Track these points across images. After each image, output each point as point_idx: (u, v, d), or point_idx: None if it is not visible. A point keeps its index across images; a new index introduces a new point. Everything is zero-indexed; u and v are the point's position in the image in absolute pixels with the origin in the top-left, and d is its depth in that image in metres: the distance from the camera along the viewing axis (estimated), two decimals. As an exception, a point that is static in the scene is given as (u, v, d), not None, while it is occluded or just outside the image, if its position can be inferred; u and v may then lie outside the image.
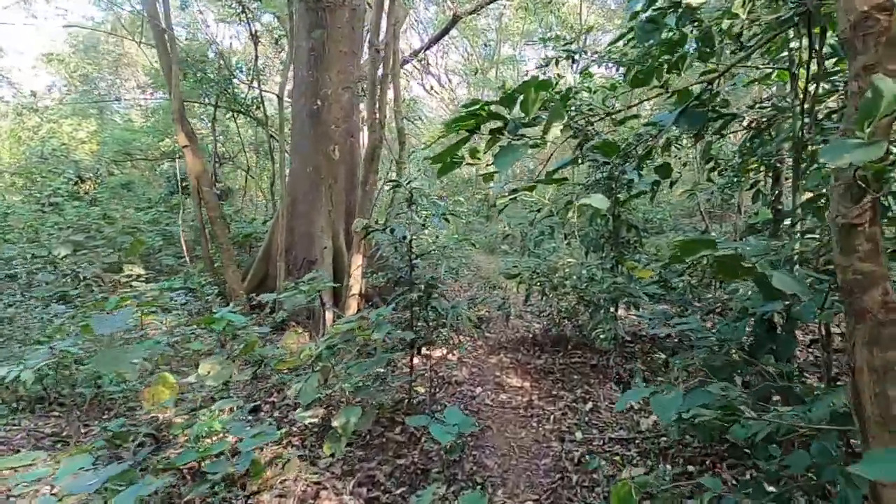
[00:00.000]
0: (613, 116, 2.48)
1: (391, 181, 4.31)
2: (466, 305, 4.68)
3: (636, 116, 3.20)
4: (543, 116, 1.77)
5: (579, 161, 6.28)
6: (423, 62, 12.98)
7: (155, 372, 3.92)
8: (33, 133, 20.13)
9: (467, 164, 2.00)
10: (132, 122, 18.56)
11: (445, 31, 13.31)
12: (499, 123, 1.77)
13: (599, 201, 1.83)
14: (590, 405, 5.00)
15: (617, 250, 5.50)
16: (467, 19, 21.19)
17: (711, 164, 6.44)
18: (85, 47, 23.29)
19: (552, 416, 4.75)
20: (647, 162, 5.87)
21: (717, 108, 2.61)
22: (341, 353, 4.09)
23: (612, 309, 5.07)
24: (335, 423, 3.07)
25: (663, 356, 5.40)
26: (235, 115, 9.39)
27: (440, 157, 1.82)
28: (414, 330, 4.20)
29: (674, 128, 2.85)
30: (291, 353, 3.54)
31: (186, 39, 11.45)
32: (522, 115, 1.71)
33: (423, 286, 4.16)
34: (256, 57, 8.13)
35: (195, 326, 4.44)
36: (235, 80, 8.66)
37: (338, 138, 7.53)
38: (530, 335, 6.95)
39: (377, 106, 6.05)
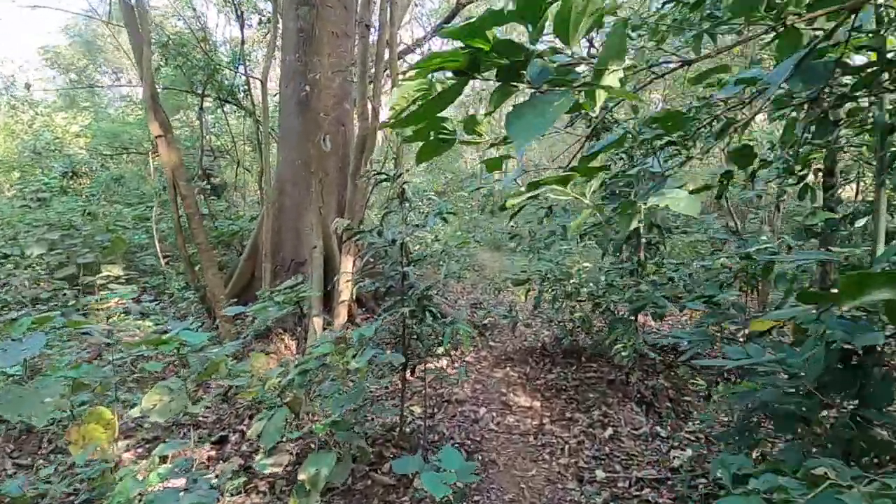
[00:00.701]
0: (686, 67, 1.73)
1: (378, 174, 3.67)
2: (466, 317, 4.04)
3: (724, 69, 2.46)
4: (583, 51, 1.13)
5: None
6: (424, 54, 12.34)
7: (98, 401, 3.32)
8: (28, 127, 19.64)
9: (463, 142, 1.36)
10: (127, 115, 17.99)
11: (449, 19, 12.63)
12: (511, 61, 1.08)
13: (685, 203, 1.20)
14: (609, 431, 4.37)
15: (638, 253, 4.85)
16: (471, 7, 20.46)
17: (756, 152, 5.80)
18: (83, 41, 22.73)
19: (567, 447, 4.12)
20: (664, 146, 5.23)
21: (845, 60, 1.74)
22: (321, 375, 3.47)
23: (633, 320, 4.42)
24: (301, 476, 2.46)
25: (697, 379, 4.76)
26: (223, 105, 8.77)
27: (410, 120, 1.15)
28: (406, 351, 3.58)
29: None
30: (258, 378, 2.93)
31: (174, 28, 10.82)
32: (555, 46, 1.09)
33: (416, 298, 3.54)
34: (243, 41, 7.50)
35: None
36: (223, 67, 8.03)
37: (329, 128, 6.89)
38: (539, 344, 6.32)
39: (370, 91, 5.42)
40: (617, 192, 5.06)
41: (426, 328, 3.77)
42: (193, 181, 11.71)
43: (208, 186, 13.14)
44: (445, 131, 1.24)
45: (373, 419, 3.60)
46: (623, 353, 4.18)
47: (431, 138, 1.25)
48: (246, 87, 8.10)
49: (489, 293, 9.30)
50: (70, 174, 15.19)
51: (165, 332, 7.43)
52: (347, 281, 5.40)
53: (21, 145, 17.33)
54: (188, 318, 7.53)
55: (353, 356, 2.85)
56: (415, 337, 3.67)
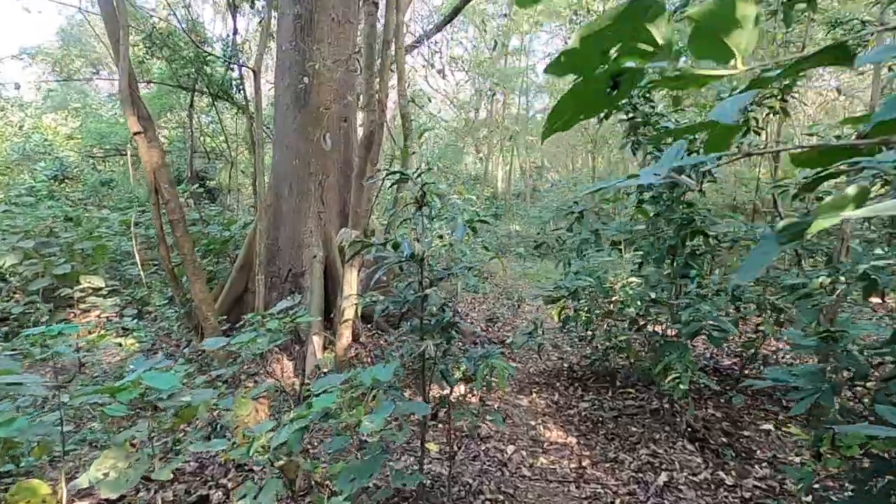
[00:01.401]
0: None
1: (393, 173, 3.02)
2: (480, 329, 3.37)
3: None
4: None
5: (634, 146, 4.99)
6: (429, 56, 11.66)
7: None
8: (18, 129, 18.99)
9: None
10: (119, 116, 17.31)
11: (455, 13, 11.99)
12: None
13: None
14: (664, 477, 3.70)
15: (685, 263, 4.19)
16: (475, 4, 19.86)
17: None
18: (73, 39, 22.08)
19: (617, 499, 3.45)
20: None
21: None
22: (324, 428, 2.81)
23: (688, 345, 3.76)
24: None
25: (790, 427, 4.10)
26: (215, 101, 8.12)
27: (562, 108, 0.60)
28: (427, 393, 2.92)
29: None
30: (244, 433, 2.28)
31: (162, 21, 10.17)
32: None
33: (440, 328, 2.88)
34: (235, 30, 6.85)
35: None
36: (214, 59, 7.36)
37: (330, 124, 6.23)
38: (566, 365, 5.65)
39: (376, 80, 4.76)
40: (662, 194, 4.41)
41: (450, 359, 3.10)
42: (185, 184, 11.07)
43: (201, 190, 12.48)
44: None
45: (387, 484, 2.93)
46: (681, 387, 3.52)
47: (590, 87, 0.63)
48: (239, 81, 7.45)
49: (502, 303, 8.64)
50: (61, 177, 14.55)
51: (149, 350, 6.79)
52: (351, 296, 4.73)
53: (10, 147, 16.68)
54: (172, 335, 6.87)
55: (365, 413, 2.18)
56: (438, 374, 3.00)
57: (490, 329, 6.81)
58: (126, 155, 11.90)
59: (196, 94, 8.49)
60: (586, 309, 4.14)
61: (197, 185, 10.43)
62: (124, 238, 9.17)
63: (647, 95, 4.48)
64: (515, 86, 19.44)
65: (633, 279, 3.81)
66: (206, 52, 6.76)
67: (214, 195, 14.07)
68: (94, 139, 12.18)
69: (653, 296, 3.81)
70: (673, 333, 4.19)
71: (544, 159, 26.75)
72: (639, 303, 3.80)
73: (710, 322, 3.70)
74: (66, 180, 14.64)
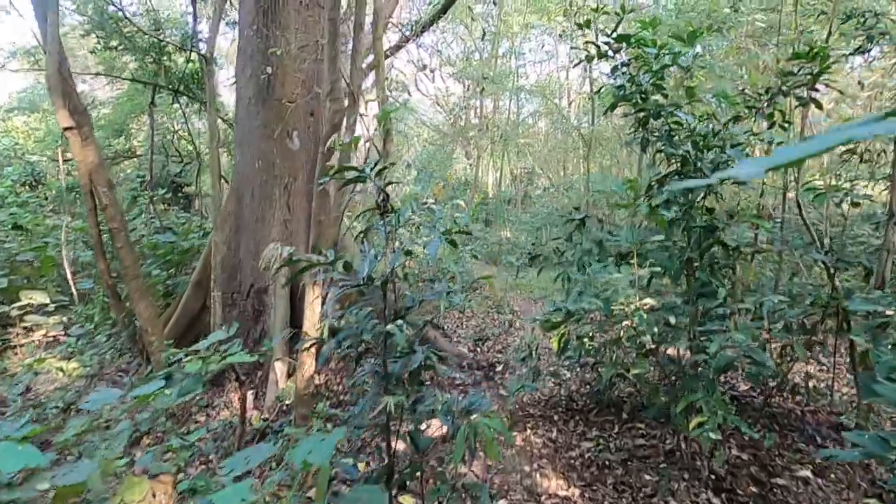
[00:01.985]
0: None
1: (343, 170, 2.35)
2: (466, 350, 2.70)
3: None
4: None
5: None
6: (419, 58, 11.00)
7: None
8: (-8, 132, 18.09)
9: None
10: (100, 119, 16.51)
11: (443, 10, 11.36)
12: None
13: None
14: (688, 544, 3.03)
15: (706, 280, 3.54)
16: (464, 3, 19.27)
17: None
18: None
19: (635, 579, 2.76)
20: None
21: None
22: None
23: (717, 381, 3.10)
24: None
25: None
26: (176, 96, 7.39)
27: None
28: (392, 464, 2.23)
29: None
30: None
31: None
32: None
33: (410, 373, 2.20)
34: (195, 16, 6.14)
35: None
36: (171, 48, 6.62)
37: (297, 120, 5.54)
38: (564, 392, 4.97)
39: (345, 64, 4.10)
40: (677, 198, 3.75)
41: (422, 411, 2.40)
42: (163, 191, 10.31)
43: (170, 195, 11.71)
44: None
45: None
46: (710, 436, 2.85)
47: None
48: (201, 74, 6.73)
49: (493, 316, 7.95)
50: (32, 183, 13.71)
51: (93, 377, 6.02)
52: (314, 317, 4.04)
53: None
54: (124, 357, 6.12)
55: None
56: (406, 435, 2.31)
57: (478, 350, 6.12)
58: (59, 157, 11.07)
59: (160, 90, 7.77)
60: (590, 336, 3.47)
61: (165, 191, 9.68)
62: (79, 246, 8.40)
63: (660, 83, 3.84)
64: (505, 88, 18.84)
65: (649, 300, 3.15)
66: (157, 38, 6.03)
67: (192, 201, 13.30)
68: (56, 142, 11.39)
69: (672, 321, 3.14)
70: (687, 357, 3.52)
71: (536, 164, 26.17)
72: (655, 329, 3.14)
73: (744, 353, 3.05)
74: (40, 185, 13.81)
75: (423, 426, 2.41)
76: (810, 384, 4.43)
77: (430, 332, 5.83)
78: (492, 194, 22.74)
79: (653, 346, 3.53)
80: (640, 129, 4.18)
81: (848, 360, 5.04)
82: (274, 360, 4.81)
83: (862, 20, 6.06)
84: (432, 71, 11.45)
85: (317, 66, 5.54)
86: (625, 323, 3.35)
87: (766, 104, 4.04)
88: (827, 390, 4.77)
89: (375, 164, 2.27)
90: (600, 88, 4.24)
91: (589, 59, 3.99)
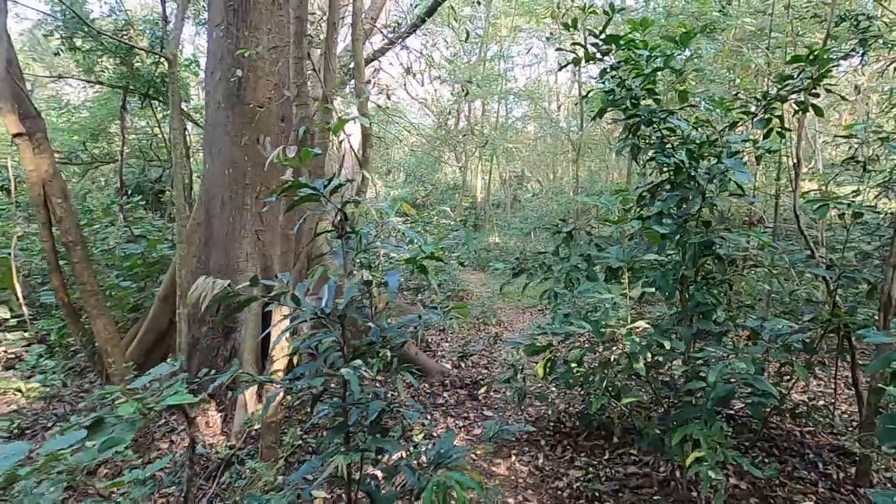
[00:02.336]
0: None
1: (292, 186, 2.07)
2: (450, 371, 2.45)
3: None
4: None
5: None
6: (408, 61, 10.65)
7: None
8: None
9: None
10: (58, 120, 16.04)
11: (430, 13, 11.12)
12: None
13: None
14: (687, 591, 2.77)
15: (700, 300, 3.29)
16: (452, 5, 19.01)
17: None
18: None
19: None
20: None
21: None
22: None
23: (719, 413, 2.85)
24: None
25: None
26: (146, 100, 7.05)
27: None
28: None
29: None
30: None
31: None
32: None
33: (371, 423, 1.92)
34: (164, 17, 5.82)
35: None
36: (138, 50, 6.26)
37: (270, 125, 5.24)
38: (550, 413, 4.70)
39: (317, 62, 3.83)
40: (672, 211, 3.51)
41: (383, 469, 2.12)
42: (138, 197, 9.92)
43: (153, 202, 11.34)
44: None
45: None
46: (709, 475, 2.59)
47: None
48: (169, 77, 6.39)
49: (479, 327, 7.69)
50: (7, 188, 13.26)
51: (53, 398, 5.67)
52: (283, 342, 3.75)
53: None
54: (89, 374, 5.78)
55: None
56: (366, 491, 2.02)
57: (462, 366, 5.84)
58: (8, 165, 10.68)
59: (132, 93, 7.44)
60: (578, 360, 3.20)
61: (140, 198, 9.34)
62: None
63: (652, 87, 3.59)
64: (491, 92, 18.62)
65: (641, 323, 2.89)
66: (120, 40, 5.69)
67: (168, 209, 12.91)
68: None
69: (667, 345, 2.88)
70: (683, 382, 3.26)
71: (525, 168, 25.98)
72: (649, 354, 2.88)
73: (746, 381, 2.80)
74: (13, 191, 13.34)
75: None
76: (810, 403, 4.21)
77: (412, 348, 5.55)
78: (480, 198, 22.50)
79: (648, 372, 3.28)
80: (631, 136, 3.94)
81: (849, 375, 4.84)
82: (270, 371, 4.50)
83: (855, 23, 5.88)
84: (417, 74, 11.16)
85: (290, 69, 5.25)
86: (615, 348, 3.09)
87: (762, 110, 3.82)
88: (826, 409, 4.55)
89: (330, 181, 1.99)
90: (588, 92, 3.98)
91: (576, 61, 3.74)
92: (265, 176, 5.24)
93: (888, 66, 8.30)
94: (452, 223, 13.53)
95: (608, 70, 3.67)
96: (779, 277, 4.76)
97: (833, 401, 4.44)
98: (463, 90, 9.33)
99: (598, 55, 3.58)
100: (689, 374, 3.02)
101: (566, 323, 3.05)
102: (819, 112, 3.80)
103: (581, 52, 3.70)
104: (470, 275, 12.41)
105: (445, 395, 5.18)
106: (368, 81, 11.56)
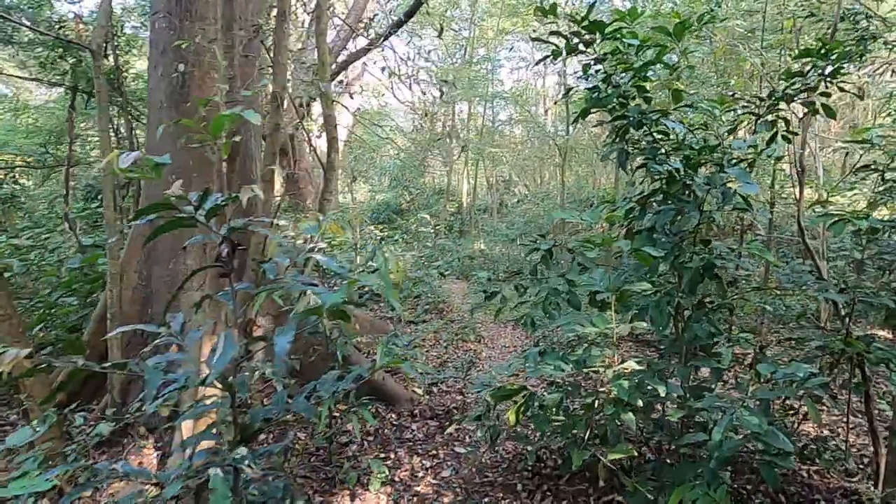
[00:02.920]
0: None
1: (152, 208, 1.56)
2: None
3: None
4: None
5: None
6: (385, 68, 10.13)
7: None
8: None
9: None
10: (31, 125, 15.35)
11: (410, 15, 10.65)
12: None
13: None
14: None
15: (703, 332, 2.82)
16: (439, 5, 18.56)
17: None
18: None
19: None
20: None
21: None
22: None
23: (721, 475, 2.36)
24: None
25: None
26: (78, 96, 6.46)
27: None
28: None
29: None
30: None
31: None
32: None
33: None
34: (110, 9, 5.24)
35: None
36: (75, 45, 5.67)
37: (218, 128, 4.70)
38: (529, 451, 4.19)
39: (273, 61, 3.32)
40: (666, 227, 3.03)
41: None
42: (95, 205, 9.31)
43: (119, 210, 10.69)
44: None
45: None
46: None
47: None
48: (116, 74, 5.84)
49: (455, 346, 7.17)
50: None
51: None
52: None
53: None
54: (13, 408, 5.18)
55: None
56: None
57: (433, 393, 5.32)
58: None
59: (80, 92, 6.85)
60: (557, 405, 2.70)
61: (98, 205, 8.72)
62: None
63: (643, 84, 3.12)
64: (473, 95, 18.17)
65: (632, 364, 2.41)
66: (42, 32, 5.10)
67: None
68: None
69: (661, 391, 2.40)
70: (675, 422, 2.77)
71: (512, 172, 25.57)
72: (639, 402, 2.39)
73: (759, 437, 2.32)
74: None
75: None
76: (817, 436, 3.75)
77: (377, 374, 5.02)
78: (466, 203, 22.00)
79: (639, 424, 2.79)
80: (619, 140, 3.47)
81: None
82: (182, 415, 3.95)
83: (854, 22, 5.49)
84: (401, 76, 10.64)
85: (244, 65, 4.73)
86: (601, 390, 2.60)
87: (766, 111, 3.37)
88: (836, 447, 4.09)
89: (204, 197, 1.48)
90: (569, 90, 3.49)
91: (555, 54, 3.26)
92: (214, 183, 4.70)
93: (883, 68, 7.95)
94: (432, 230, 13.03)
95: (592, 64, 3.19)
96: (784, 299, 4.32)
97: (845, 439, 3.98)
98: (439, 91, 8.82)
99: (581, 46, 3.10)
100: (687, 423, 2.54)
101: (543, 364, 2.55)
102: (831, 113, 3.35)
103: (562, 43, 3.22)
104: (452, 284, 11.90)
105: (414, 426, 4.66)
106: (341, 81, 11.05)
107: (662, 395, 2.39)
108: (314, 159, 16.38)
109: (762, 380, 2.67)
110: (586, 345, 2.64)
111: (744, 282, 3.78)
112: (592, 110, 3.30)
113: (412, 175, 22.77)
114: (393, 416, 4.83)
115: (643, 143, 3.43)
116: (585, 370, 2.45)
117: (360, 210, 15.78)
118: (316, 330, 4.09)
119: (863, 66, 8.20)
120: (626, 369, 2.46)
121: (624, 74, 3.14)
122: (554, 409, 2.72)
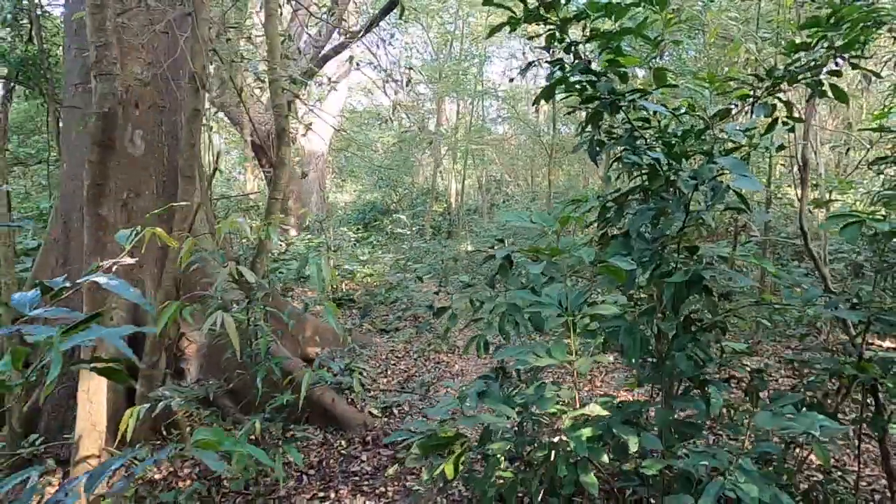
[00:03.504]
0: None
1: None
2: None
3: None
4: None
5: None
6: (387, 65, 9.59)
7: None
8: None
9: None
10: None
11: (387, 11, 10.12)
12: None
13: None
14: None
15: (687, 366, 2.27)
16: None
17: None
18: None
19: None
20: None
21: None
22: None
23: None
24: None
25: None
26: (13, 87, 5.86)
27: None
28: None
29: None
30: None
31: None
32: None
33: None
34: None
35: None
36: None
37: (141, 116, 4.14)
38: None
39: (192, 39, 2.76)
40: (646, 232, 2.49)
41: None
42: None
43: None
44: None
45: None
46: None
47: None
48: (40, 59, 5.24)
49: (426, 357, 6.61)
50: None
51: None
52: (98, 413, 2.66)
53: None
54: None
55: None
56: None
57: (393, 415, 4.75)
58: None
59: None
60: (505, 454, 2.14)
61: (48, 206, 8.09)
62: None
63: (617, 58, 2.56)
64: (464, 90, 17.65)
65: (596, 408, 1.86)
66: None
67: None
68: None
69: (632, 445, 1.85)
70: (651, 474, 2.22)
71: (504, 172, 25.02)
72: (605, 458, 1.85)
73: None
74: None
75: None
76: (824, 470, 3.22)
77: (326, 394, 4.45)
78: (455, 203, 21.42)
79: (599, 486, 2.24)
80: (592, 128, 2.92)
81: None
82: (77, 458, 3.37)
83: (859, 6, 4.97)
84: (390, 77, 10.06)
85: (170, 42, 4.15)
86: (556, 441, 2.05)
87: (764, 92, 2.83)
88: (843, 478, 3.56)
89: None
90: (529, 64, 2.92)
91: (512, 23, 2.70)
92: (135, 179, 4.13)
93: (888, 58, 7.44)
94: (408, 232, 12.45)
95: (556, 33, 2.63)
96: (783, 314, 3.78)
97: (857, 476, 3.44)
98: (407, 79, 8.28)
99: (542, 10, 2.54)
100: (667, 482, 2.00)
101: (480, 410, 1.99)
102: (842, 96, 2.81)
103: (520, 9, 2.65)
104: (434, 288, 11.31)
105: (364, 456, 4.09)
106: (322, 77, 10.49)
107: (633, 448, 1.84)
108: (298, 156, 15.83)
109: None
110: (538, 382, 2.08)
111: (739, 294, 3.23)
112: (558, 90, 2.74)
113: (397, 174, 22.17)
114: (342, 442, 4.26)
115: (619, 130, 2.89)
116: (535, 418, 1.90)
117: (331, 211, 15.19)
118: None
119: (866, 57, 7.70)
120: (589, 414, 1.90)
121: (592, 45, 2.59)
122: (500, 458, 2.16)
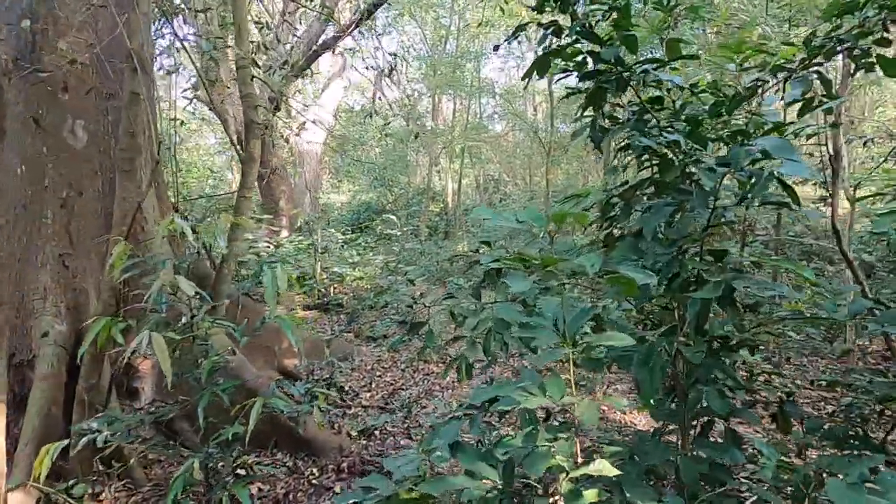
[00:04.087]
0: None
1: None
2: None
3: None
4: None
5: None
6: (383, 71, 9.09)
7: None
8: None
9: None
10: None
11: (376, 6, 9.67)
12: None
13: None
14: None
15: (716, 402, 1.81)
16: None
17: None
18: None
19: None
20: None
21: None
22: None
23: None
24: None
25: None
26: None
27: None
28: None
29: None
30: None
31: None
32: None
33: None
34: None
35: None
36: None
37: (82, 104, 3.67)
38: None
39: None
40: (661, 233, 2.03)
41: None
42: None
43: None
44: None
45: None
46: None
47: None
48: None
49: (415, 368, 6.14)
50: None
51: None
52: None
53: None
54: None
55: None
56: None
57: (373, 436, 4.27)
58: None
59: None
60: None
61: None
62: None
63: (625, 22, 2.09)
64: (458, 86, 17.19)
65: (602, 464, 1.41)
66: None
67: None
68: None
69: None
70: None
71: (502, 171, 24.55)
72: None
73: None
74: None
75: None
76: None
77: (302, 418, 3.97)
78: (452, 203, 20.93)
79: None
80: (595, 108, 2.45)
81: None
82: (6, 489, 2.91)
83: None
84: (385, 72, 9.58)
85: (114, 19, 3.67)
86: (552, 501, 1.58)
87: (801, 66, 2.36)
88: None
89: None
90: (520, 27, 2.43)
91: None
92: (76, 175, 3.66)
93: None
94: (399, 232, 11.97)
95: (549, -8, 2.16)
96: (818, 326, 3.32)
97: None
98: (389, 67, 7.81)
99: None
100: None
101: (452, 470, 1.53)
102: (892, 69, 2.34)
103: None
104: (425, 293, 10.84)
105: (338, 487, 3.61)
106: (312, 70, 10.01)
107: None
108: (291, 155, 15.36)
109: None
110: (529, 424, 1.61)
111: (767, 306, 2.75)
112: (554, 61, 2.27)
113: (392, 174, 21.69)
114: (314, 471, 3.78)
115: (626, 113, 2.42)
116: (524, 481, 1.43)
117: (326, 212, 14.71)
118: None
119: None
120: (593, 473, 1.44)
121: (595, 6, 2.12)
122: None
